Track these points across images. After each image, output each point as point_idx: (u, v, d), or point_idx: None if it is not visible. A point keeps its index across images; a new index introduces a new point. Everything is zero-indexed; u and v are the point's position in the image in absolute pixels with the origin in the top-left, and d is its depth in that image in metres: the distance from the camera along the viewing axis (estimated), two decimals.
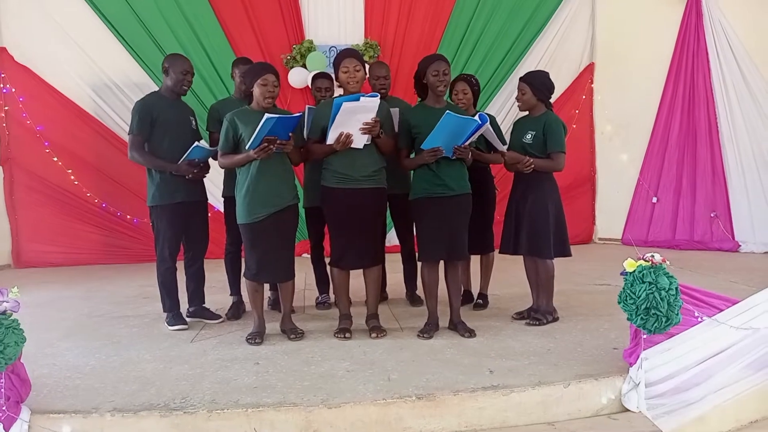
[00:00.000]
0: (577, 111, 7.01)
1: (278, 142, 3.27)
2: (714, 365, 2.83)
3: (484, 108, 6.45)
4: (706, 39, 6.40)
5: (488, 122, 3.40)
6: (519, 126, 3.76)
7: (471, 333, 3.47)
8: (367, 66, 3.55)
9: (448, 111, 3.26)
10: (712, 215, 6.48)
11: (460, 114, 3.45)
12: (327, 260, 3.87)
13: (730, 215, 6.43)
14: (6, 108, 6.22)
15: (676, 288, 2.66)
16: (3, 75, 6.19)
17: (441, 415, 2.59)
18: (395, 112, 3.65)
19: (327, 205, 3.53)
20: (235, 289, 4.17)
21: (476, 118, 3.32)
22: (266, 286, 3.88)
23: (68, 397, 2.67)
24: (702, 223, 6.52)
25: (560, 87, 6.76)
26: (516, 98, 3.75)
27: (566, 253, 3.69)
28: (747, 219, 6.36)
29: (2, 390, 2.35)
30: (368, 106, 3.30)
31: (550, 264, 3.67)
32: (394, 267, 4.39)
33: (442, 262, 3.57)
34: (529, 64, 6.82)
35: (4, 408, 2.35)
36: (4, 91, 6.20)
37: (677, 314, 2.67)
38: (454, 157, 3.39)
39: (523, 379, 2.75)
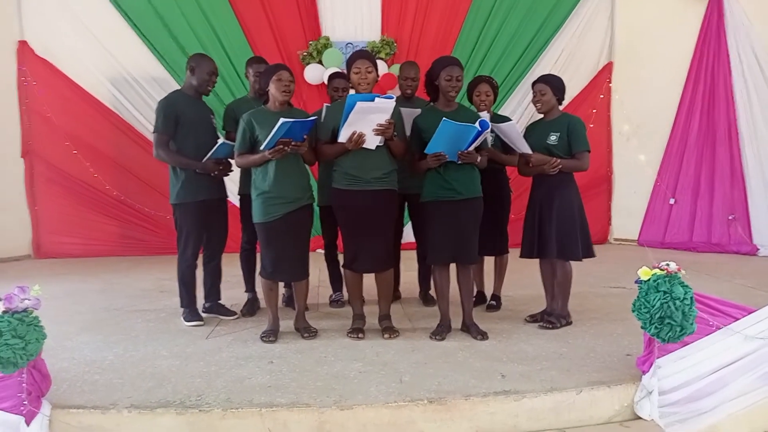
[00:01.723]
0: (594, 110, 6.95)
1: (293, 143, 3.29)
2: (728, 374, 2.81)
3: (500, 107, 6.42)
4: (727, 39, 6.30)
5: (490, 128, 3.37)
6: (537, 129, 3.73)
7: (483, 335, 3.47)
8: (380, 67, 3.56)
9: (444, 118, 3.24)
10: (730, 218, 6.40)
11: (469, 116, 3.44)
12: (340, 257, 3.89)
13: (748, 218, 6.34)
14: (27, 101, 6.31)
15: (691, 297, 2.64)
16: (24, 68, 6.28)
17: (452, 419, 2.60)
18: (415, 112, 3.65)
19: (338, 208, 3.54)
20: (250, 286, 4.22)
21: (476, 124, 3.29)
22: (281, 284, 3.91)
23: (87, 392, 2.73)
24: (720, 226, 6.45)
25: (577, 86, 6.74)
26: (534, 100, 3.72)
27: (591, 254, 3.67)
28: (766, 222, 6.27)
29: (24, 385, 2.40)
30: (383, 107, 3.29)
31: (569, 267, 3.67)
32: (409, 265, 4.41)
33: (454, 264, 3.58)
34: (546, 62, 6.80)
35: (25, 402, 2.40)
36: (25, 84, 6.30)
37: (692, 324, 2.65)
38: (460, 162, 3.39)
39: (535, 385, 2.76)
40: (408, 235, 4.51)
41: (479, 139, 3.37)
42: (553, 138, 3.60)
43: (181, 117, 3.71)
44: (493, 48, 6.76)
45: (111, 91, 6.43)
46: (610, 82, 7.01)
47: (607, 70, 7.00)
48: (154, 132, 3.77)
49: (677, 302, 2.60)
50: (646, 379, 2.77)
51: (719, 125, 6.42)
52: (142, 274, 5.52)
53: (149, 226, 6.55)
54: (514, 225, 4.30)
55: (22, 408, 2.40)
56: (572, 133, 3.57)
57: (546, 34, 6.79)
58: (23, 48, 6.26)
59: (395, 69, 6.40)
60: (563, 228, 3.58)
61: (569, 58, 6.87)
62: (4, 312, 2.36)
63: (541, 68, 6.72)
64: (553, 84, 3.65)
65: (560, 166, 3.53)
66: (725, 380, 2.79)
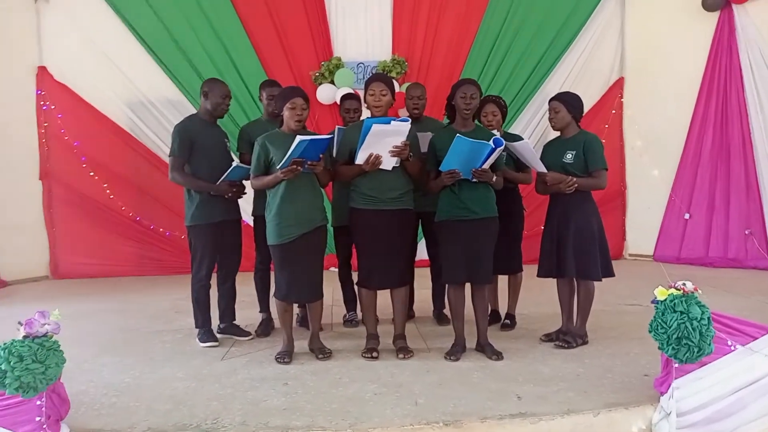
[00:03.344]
0: (606, 126, 6.95)
1: (309, 163, 3.32)
2: (748, 395, 2.76)
3: (511, 125, 6.44)
4: (739, 53, 6.29)
5: (504, 145, 3.38)
6: (554, 147, 3.73)
7: (498, 356, 3.46)
8: (396, 88, 3.63)
9: (458, 135, 3.28)
10: (746, 232, 6.33)
11: (486, 136, 3.46)
12: (354, 277, 3.90)
13: (765, 232, 6.27)
14: (45, 124, 6.43)
15: (708, 318, 2.62)
16: (43, 93, 6.41)
17: None
18: (426, 135, 3.68)
19: (355, 227, 3.58)
20: (264, 306, 4.24)
21: (491, 141, 3.31)
22: (295, 304, 3.92)
23: (104, 415, 2.75)
24: (736, 241, 6.38)
25: (589, 101, 6.70)
26: (549, 118, 3.74)
27: (610, 273, 3.65)
28: None
29: (44, 409, 2.42)
30: (399, 130, 3.34)
31: (592, 286, 3.64)
32: (422, 283, 4.40)
33: (469, 283, 3.58)
34: (556, 79, 6.84)
35: (45, 426, 2.42)
36: (44, 108, 6.42)
37: (709, 344, 2.63)
38: (474, 180, 3.40)
39: (552, 407, 2.73)
40: (421, 252, 4.51)
41: (493, 156, 3.38)
42: (569, 156, 3.60)
43: (196, 141, 3.78)
44: (503, 65, 6.80)
45: (128, 114, 6.53)
46: (621, 97, 7.02)
47: (618, 85, 7.01)
48: (170, 156, 3.84)
49: (694, 322, 2.58)
50: (664, 400, 2.74)
51: (733, 139, 6.38)
52: (158, 294, 5.56)
53: (165, 246, 6.61)
54: (527, 241, 4.29)
55: None
56: (588, 151, 3.56)
57: (556, 50, 6.82)
58: (42, 73, 6.39)
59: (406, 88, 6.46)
60: (581, 247, 3.56)
61: (580, 74, 6.89)
62: (25, 337, 2.39)
63: (551, 85, 6.76)
64: (567, 102, 3.65)
65: (576, 185, 3.52)
66: (745, 401, 2.74)
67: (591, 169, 3.57)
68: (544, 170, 3.63)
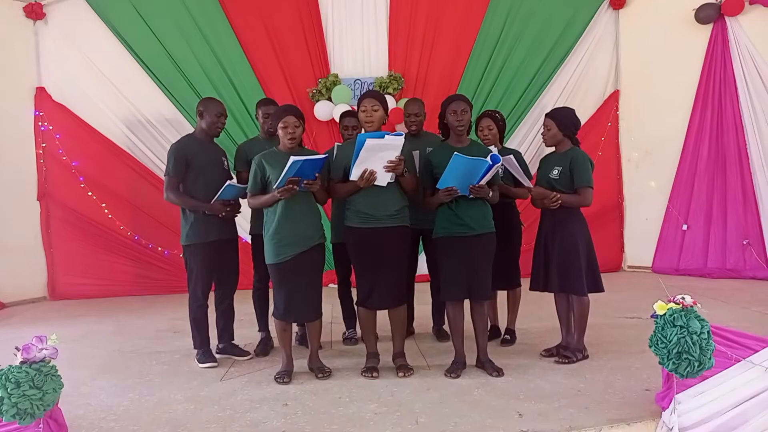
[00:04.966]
0: (603, 138, 6.97)
1: (305, 182, 3.33)
2: (750, 408, 2.75)
3: (507, 139, 6.45)
4: (733, 65, 6.32)
5: (501, 161, 3.39)
6: (546, 162, 3.77)
7: (499, 372, 3.44)
8: (390, 104, 3.63)
9: (456, 152, 3.29)
10: (744, 242, 6.33)
11: (482, 151, 3.48)
12: (354, 294, 3.88)
13: (763, 242, 6.26)
14: (43, 145, 6.44)
15: (708, 332, 2.61)
16: (41, 113, 6.43)
17: None
18: (415, 154, 3.69)
19: (351, 246, 3.57)
20: (263, 325, 4.22)
21: (488, 158, 3.32)
22: (294, 323, 3.90)
23: None
24: (734, 251, 6.37)
25: (585, 114, 6.76)
26: (542, 134, 3.77)
27: (599, 289, 3.65)
28: None
29: None
30: (393, 144, 3.33)
31: (586, 300, 3.63)
32: (423, 298, 4.38)
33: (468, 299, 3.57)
34: (553, 92, 6.87)
35: None
36: (42, 128, 6.44)
37: (710, 358, 2.62)
38: (471, 196, 3.41)
39: (553, 424, 2.72)
40: (421, 267, 4.50)
41: (491, 173, 3.39)
42: (555, 172, 3.63)
43: (192, 161, 3.78)
44: (499, 80, 6.83)
45: (125, 133, 6.54)
46: (617, 109, 7.05)
47: (613, 98, 7.04)
48: (165, 175, 3.84)
49: (694, 337, 2.57)
50: (666, 415, 2.72)
51: (729, 150, 6.40)
52: (156, 314, 5.54)
53: (163, 264, 6.59)
54: (526, 255, 4.28)
55: None
56: (574, 168, 3.58)
57: (551, 64, 6.86)
58: (41, 94, 6.42)
59: (403, 103, 6.49)
60: (565, 262, 3.58)
61: (575, 87, 6.92)
62: (22, 362, 2.38)
63: (547, 99, 6.81)
64: (558, 119, 3.67)
65: (560, 202, 3.54)
66: (747, 415, 2.72)
67: (576, 186, 3.58)
68: (529, 184, 3.69)
